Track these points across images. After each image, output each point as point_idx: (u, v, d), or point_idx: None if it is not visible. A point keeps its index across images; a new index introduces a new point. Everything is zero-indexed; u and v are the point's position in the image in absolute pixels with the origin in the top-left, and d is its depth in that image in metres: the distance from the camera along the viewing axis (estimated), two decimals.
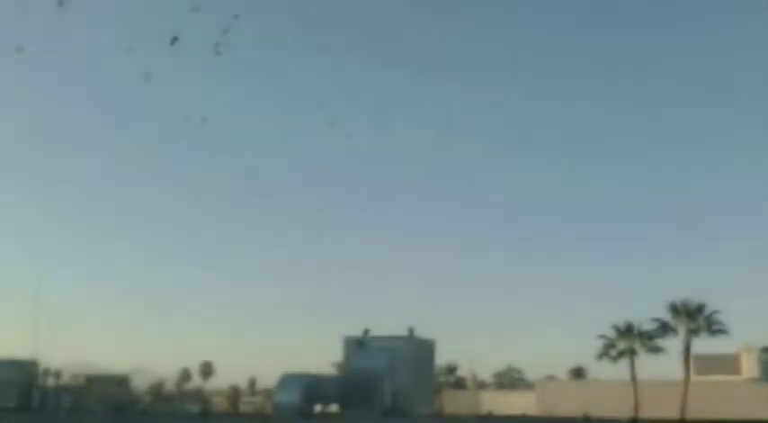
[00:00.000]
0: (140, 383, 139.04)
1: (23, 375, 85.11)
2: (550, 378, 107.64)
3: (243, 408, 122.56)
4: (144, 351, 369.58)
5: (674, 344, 63.32)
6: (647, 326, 63.92)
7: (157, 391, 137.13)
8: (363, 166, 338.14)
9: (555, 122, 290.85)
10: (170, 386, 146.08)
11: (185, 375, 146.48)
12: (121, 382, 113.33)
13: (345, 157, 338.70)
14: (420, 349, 72.97)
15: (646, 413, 59.59)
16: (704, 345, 64.53)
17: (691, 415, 58.35)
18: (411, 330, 71.90)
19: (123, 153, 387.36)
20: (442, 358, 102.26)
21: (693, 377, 63.62)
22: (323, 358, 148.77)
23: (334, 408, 66.53)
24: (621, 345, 64.51)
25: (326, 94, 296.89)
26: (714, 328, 61.91)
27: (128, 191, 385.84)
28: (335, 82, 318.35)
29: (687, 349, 62.34)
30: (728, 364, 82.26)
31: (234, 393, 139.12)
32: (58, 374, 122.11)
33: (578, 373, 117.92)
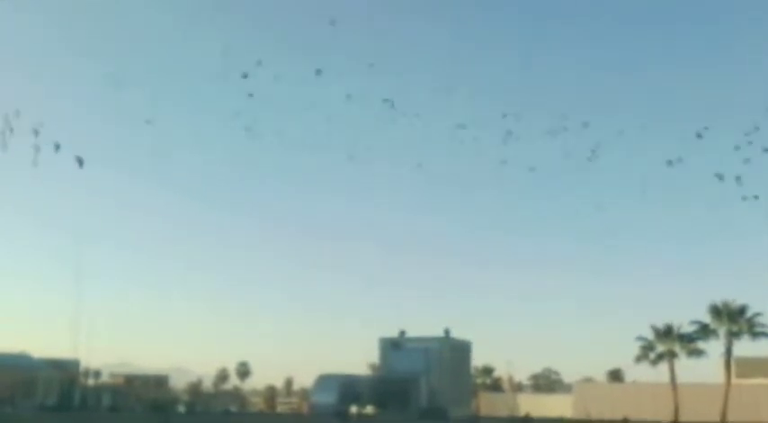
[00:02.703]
0: (179, 383, 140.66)
1: (65, 375, 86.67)
2: (588, 380, 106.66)
3: (279, 408, 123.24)
4: (182, 351, 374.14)
5: (714, 347, 62.44)
6: (687, 328, 63.13)
7: (195, 390, 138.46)
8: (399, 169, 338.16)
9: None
10: (208, 386, 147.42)
11: (223, 375, 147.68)
12: (160, 381, 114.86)
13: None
14: (456, 351, 72.81)
15: (685, 416, 58.81)
16: (745, 347, 63.50)
17: (731, 418, 57.46)
18: (447, 332, 71.79)
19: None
20: (478, 360, 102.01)
21: (734, 380, 62.58)
22: (358, 359, 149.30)
23: (369, 408, 66.65)
24: (660, 347, 63.76)
25: None
26: (756, 330, 60.81)
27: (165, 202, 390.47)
28: None
29: (728, 352, 61.38)
30: None
31: (270, 393, 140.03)
32: (97, 374, 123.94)
33: (616, 375, 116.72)
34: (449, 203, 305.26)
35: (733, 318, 60.69)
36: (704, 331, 61.86)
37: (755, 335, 60.97)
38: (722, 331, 61.05)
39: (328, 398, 64.09)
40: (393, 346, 72.28)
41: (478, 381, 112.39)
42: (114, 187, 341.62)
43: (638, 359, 64.63)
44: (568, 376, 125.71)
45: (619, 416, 53.34)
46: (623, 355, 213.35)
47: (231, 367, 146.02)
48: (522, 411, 72.80)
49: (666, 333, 63.53)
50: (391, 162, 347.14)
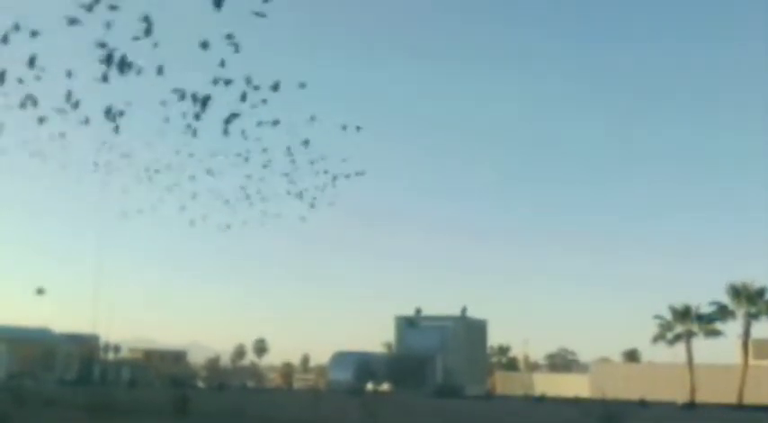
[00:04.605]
0: (197, 359, 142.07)
1: (85, 349, 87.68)
2: (604, 360, 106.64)
3: (296, 384, 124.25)
4: (201, 327, 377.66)
5: (732, 328, 62.21)
6: (706, 309, 62.87)
7: (213, 366, 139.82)
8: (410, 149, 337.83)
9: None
10: (225, 362, 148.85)
11: (240, 352, 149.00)
12: (178, 357, 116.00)
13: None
14: (472, 329, 72.93)
15: (702, 397, 58.67)
16: (764, 329, 63.33)
17: (748, 399, 57.27)
18: (463, 310, 71.87)
19: None
20: (494, 339, 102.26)
21: (751, 361, 62.34)
22: (374, 337, 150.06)
23: (385, 386, 67.04)
24: (678, 328, 63.56)
25: None
26: None
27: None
28: None
29: (746, 333, 61.11)
30: None
31: (287, 370, 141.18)
32: (117, 349, 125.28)
33: (632, 355, 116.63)
34: (464, 182, 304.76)
35: (752, 299, 60.35)
36: (722, 312, 61.59)
37: None
38: (741, 312, 60.78)
39: (345, 375, 64.56)
40: (409, 325, 72.53)
41: (494, 360, 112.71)
42: None
43: (656, 339, 64.51)
44: (585, 356, 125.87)
45: (635, 396, 53.29)
46: (640, 335, 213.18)
47: (248, 344, 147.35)
48: (537, 390, 72.96)
49: (684, 313, 63.29)
50: (405, 138, 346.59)
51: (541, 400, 53.77)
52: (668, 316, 64.07)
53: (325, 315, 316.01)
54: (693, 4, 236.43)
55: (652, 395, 57.83)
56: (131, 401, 29.38)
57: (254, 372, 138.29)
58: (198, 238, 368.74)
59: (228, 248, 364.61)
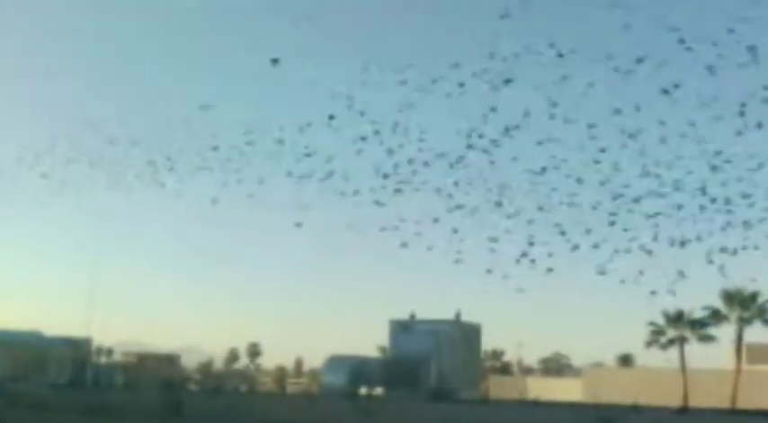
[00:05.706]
0: (190, 362, 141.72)
1: (77, 353, 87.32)
2: (598, 365, 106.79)
3: (289, 388, 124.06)
4: (194, 331, 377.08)
5: (725, 332, 62.41)
6: (699, 314, 63.09)
7: (206, 370, 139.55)
8: None
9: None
10: (218, 365, 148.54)
11: (233, 355, 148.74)
12: (172, 360, 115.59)
13: None
14: (466, 333, 72.93)
15: (695, 402, 58.75)
16: (757, 334, 63.43)
17: (741, 405, 57.41)
18: (457, 314, 71.87)
19: None
20: (488, 343, 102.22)
21: (745, 366, 62.56)
22: (368, 341, 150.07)
23: (379, 390, 66.98)
24: (671, 332, 63.76)
25: None
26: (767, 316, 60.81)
27: None
28: None
29: (739, 338, 61.36)
30: None
31: (280, 374, 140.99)
32: (109, 352, 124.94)
33: (626, 360, 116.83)
34: None
35: (745, 303, 60.61)
36: (716, 317, 61.82)
37: (767, 321, 60.91)
38: (734, 317, 61.03)
39: (338, 379, 64.48)
40: (403, 329, 72.47)
41: (488, 364, 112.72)
42: None
43: (649, 344, 64.73)
44: (578, 360, 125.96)
45: (628, 401, 53.28)
46: (633, 339, 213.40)
47: (242, 347, 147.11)
48: (530, 395, 73.01)
49: (677, 318, 63.49)
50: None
51: (537, 404, 53.75)
52: (661, 321, 64.31)
53: (319, 319, 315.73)
54: None
55: (645, 400, 57.83)
56: (124, 404, 29.30)
57: (247, 375, 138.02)
58: (194, 242, 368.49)
59: (223, 252, 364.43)
